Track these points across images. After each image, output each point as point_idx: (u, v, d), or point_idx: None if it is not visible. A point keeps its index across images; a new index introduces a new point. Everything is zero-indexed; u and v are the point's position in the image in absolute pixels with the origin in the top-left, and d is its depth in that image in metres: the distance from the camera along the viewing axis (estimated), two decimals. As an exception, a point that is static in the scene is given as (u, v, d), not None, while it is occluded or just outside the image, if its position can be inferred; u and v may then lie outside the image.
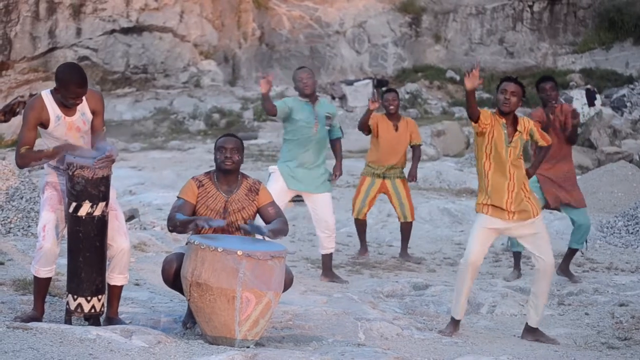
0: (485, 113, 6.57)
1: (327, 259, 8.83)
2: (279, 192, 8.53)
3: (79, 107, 5.84)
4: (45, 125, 5.80)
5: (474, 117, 6.44)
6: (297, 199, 10.40)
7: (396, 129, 10.01)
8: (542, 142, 6.93)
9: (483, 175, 6.61)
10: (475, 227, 6.64)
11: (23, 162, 5.80)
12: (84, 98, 5.79)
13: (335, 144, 9.06)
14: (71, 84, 5.68)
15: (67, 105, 5.79)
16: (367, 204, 10.06)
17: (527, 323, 6.81)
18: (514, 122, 6.60)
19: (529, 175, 6.98)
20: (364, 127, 9.96)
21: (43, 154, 5.79)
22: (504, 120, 6.56)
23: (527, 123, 6.70)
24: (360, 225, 10.13)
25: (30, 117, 5.77)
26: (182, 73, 28.26)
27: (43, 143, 5.89)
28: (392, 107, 10.00)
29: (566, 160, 8.97)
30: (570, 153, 9.06)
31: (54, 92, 5.82)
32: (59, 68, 5.78)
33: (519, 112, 6.93)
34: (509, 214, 6.55)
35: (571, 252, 9.05)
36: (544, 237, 6.63)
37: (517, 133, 6.57)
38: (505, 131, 6.54)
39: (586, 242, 9.09)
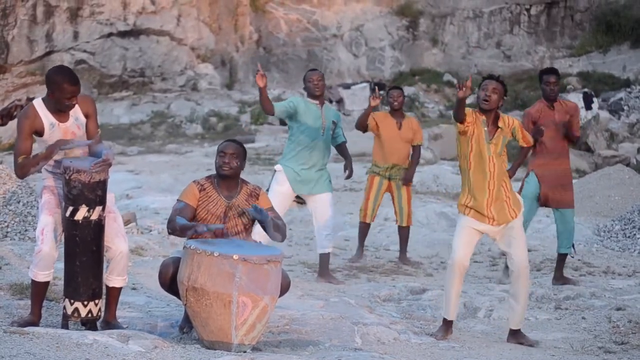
0: (467, 111, 6.61)
1: (325, 258, 8.83)
2: (283, 195, 8.59)
3: (71, 113, 5.85)
4: (40, 133, 5.81)
5: (460, 119, 6.53)
6: (299, 201, 10.38)
7: (399, 127, 9.95)
8: (522, 142, 6.92)
9: (465, 173, 6.69)
10: (458, 228, 6.70)
11: (22, 171, 5.80)
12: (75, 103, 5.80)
13: (341, 147, 9.10)
14: (64, 83, 5.70)
15: (62, 109, 5.79)
16: (376, 208, 10.02)
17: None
18: (495, 120, 6.64)
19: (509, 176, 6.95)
20: (362, 125, 9.89)
21: (39, 157, 5.79)
22: (484, 117, 6.61)
23: (510, 121, 6.72)
24: (365, 229, 10.03)
25: (24, 126, 5.77)
26: (179, 76, 28.23)
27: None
28: (396, 103, 9.92)
29: (563, 158, 8.83)
30: (567, 151, 8.94)
31: (45, 100, 5.83)
32: (49, 72, 5.81)
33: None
34: (490, 220, 6.60)
35: (561, 257, 8.94)
36: (520, 238, 6.66)
37: (498, 130, 6.62)
38: (486, 128, 6.59)
39: (573, 246, 9.01)
